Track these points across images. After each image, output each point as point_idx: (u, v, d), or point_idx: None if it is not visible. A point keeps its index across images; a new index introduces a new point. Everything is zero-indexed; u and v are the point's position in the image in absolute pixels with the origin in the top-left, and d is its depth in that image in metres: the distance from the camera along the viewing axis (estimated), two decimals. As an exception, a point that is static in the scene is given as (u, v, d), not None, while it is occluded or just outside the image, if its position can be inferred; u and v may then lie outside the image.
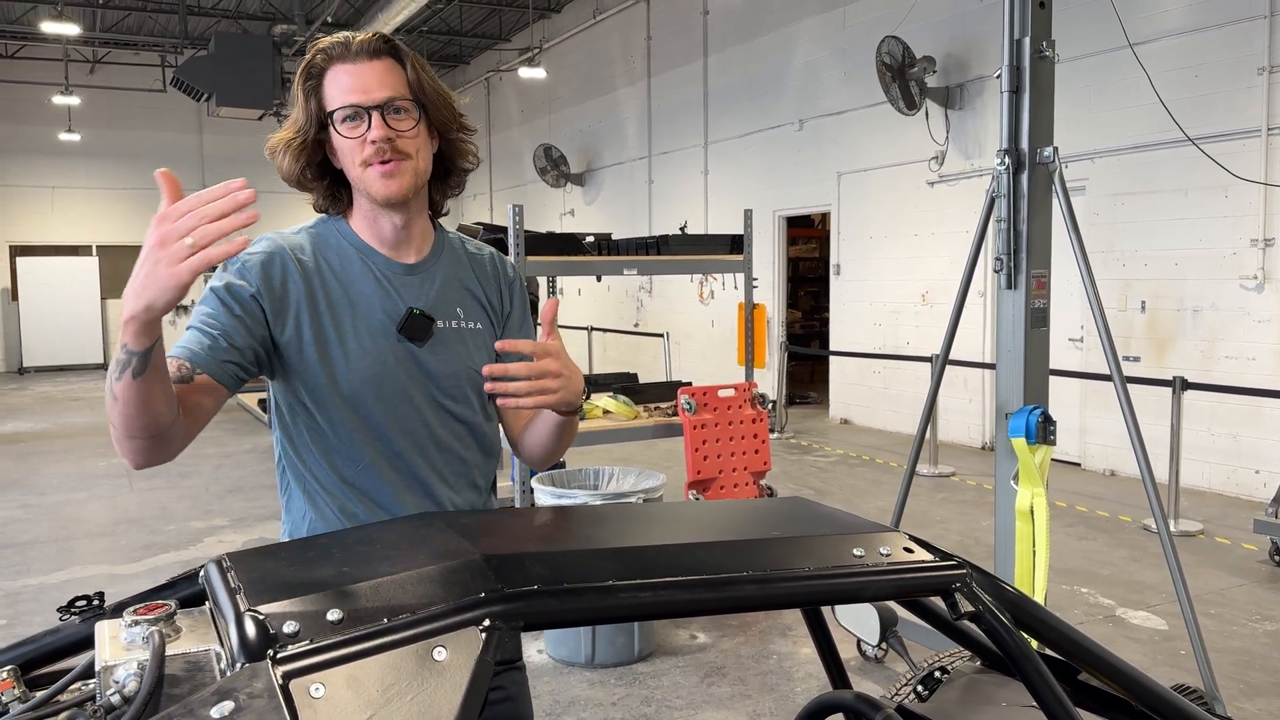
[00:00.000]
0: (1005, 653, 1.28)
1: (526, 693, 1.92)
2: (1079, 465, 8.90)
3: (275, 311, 1.63)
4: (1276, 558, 6.01)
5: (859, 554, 1.28)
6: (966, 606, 1.27)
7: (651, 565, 1.14)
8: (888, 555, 1.28)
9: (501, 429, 1.89)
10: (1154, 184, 8.17)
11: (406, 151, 1.62)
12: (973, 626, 1.97)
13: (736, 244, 5.22)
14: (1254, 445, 7.60)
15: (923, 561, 1.30)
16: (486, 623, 1.01)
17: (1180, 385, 6.78)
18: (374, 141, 1.59)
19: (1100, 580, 5.79)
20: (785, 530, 1.34)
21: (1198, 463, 7.79)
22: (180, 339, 1.59)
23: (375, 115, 1.59)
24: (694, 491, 5.23)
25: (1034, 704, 1.77)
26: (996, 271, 3.72)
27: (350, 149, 1.62)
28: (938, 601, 1.33)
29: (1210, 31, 7.73)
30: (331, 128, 1.63)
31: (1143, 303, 8.24)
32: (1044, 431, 3.63)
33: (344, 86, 1.60)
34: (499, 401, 1.57)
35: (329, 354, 1.65)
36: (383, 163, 1.60)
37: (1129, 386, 3.86)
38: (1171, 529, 6.77)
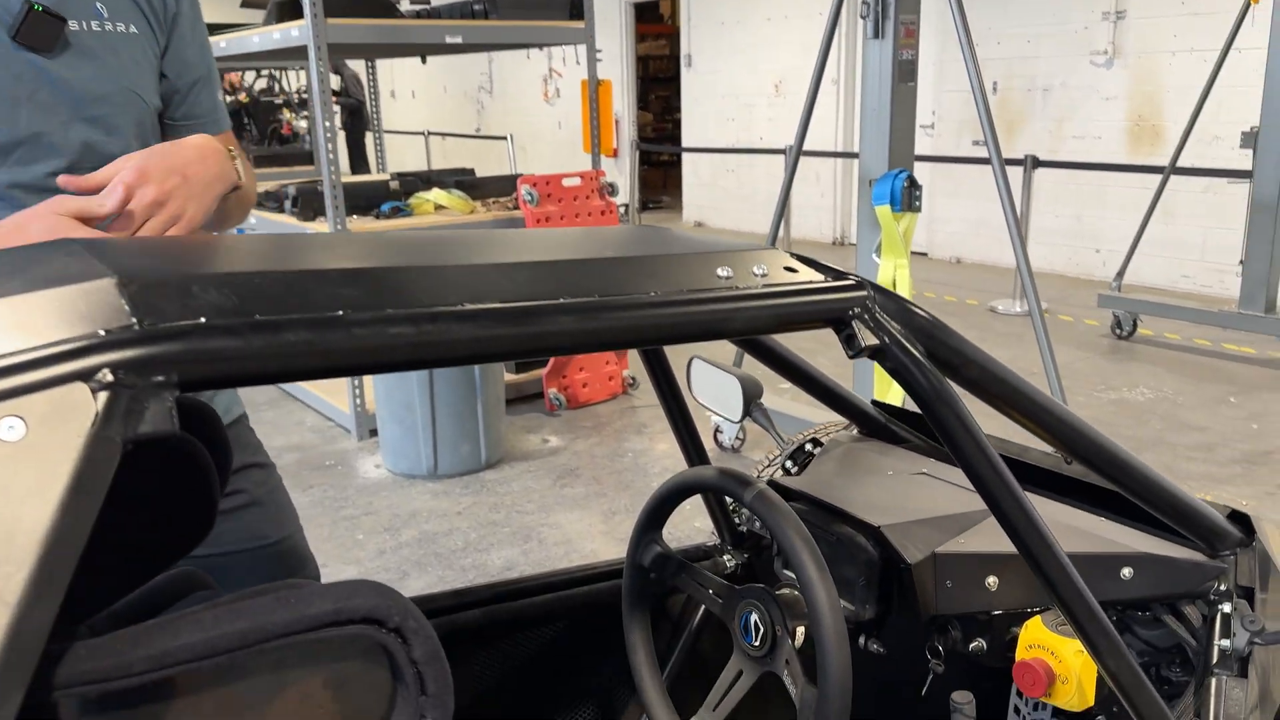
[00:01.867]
0: (918, 395, 0.99)
1: (281, 499, 1.58)
2: (926, 255, 8.93)
3: None
4: (1118, 331, 6.18)
5: (725, 275, 0.94)
6: (869, 338, 0.97)
7: (412, 291, 0.76)
8: (764, 276, 0.96)
9: None
10: (1010, -44, 8.00)
11: None
12: (849, 394, 1.73)
13: (576, 9, 4.65)
14: (1095, 225, 7.74)
15: (810, 283, 0.98)
16: (106, 376, 0.62)
17: (1031, 164, 6.70)
18: None
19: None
20: (635, 249, 0.99)
21: (1041, 245, 7.87)
22: None
23: None
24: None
25: (926, 470, 1.62)
26: (863, 18, 3.37)
27: None
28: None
29: None
30: None
31: (995, 83, 8.08)
32: (909, 197, 3.41)
33: None
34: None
35: None
36: None
37: (977, 167, 3.66)
38: (1017, 309, 6.90)
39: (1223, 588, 1.36)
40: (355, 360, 0.73)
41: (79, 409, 0.60)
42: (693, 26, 11.12)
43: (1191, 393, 5.13)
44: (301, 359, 0.70)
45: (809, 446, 1.81)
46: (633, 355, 5.50)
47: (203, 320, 0.67)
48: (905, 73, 3.47)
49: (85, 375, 0.62)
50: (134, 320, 0.66)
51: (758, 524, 1.60)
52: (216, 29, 5.73)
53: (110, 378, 0.62)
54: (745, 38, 10.44)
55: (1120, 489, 1.25)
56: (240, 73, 10.24)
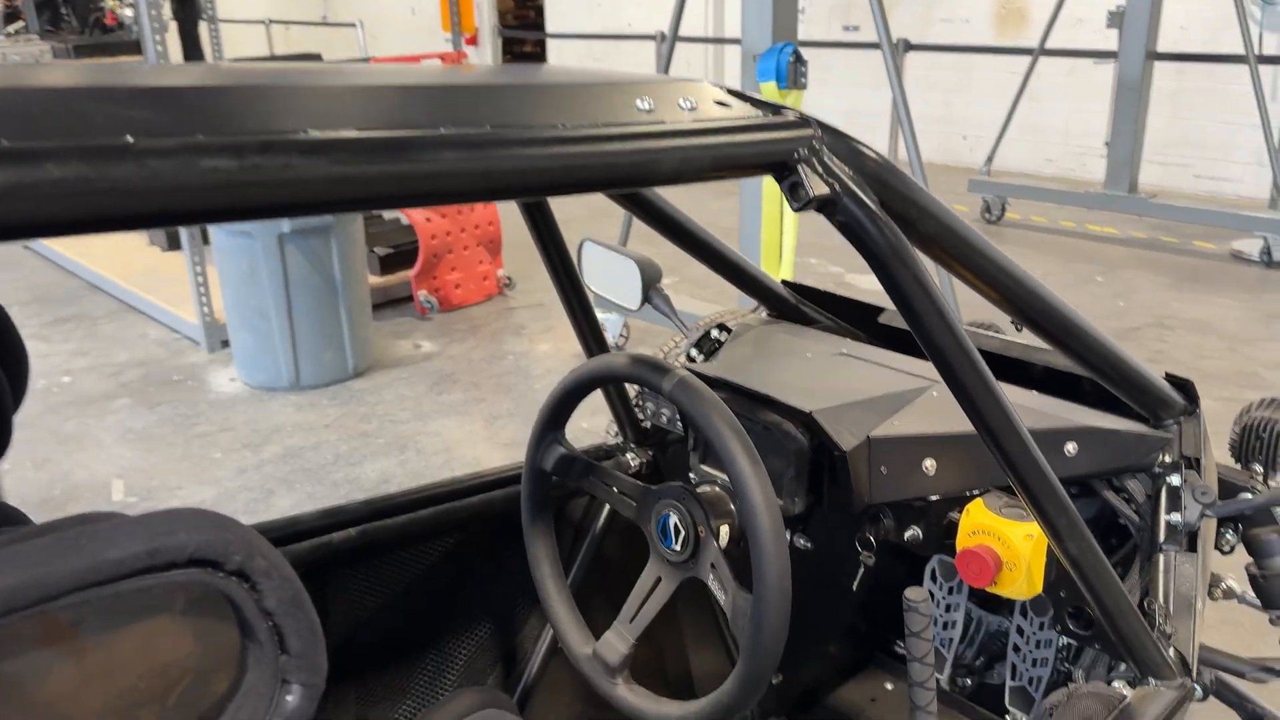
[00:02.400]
0: (872, 254, 0.86)
1: None
2: None
3: None
4: (988, 215, 6.26)
5: (646, 107, 0.75)
6: (818, 186, 0.81)
7: (236, 115, 0.55)
8: (692, 110, 0.79)
9: None
10: None
11: None
12: (757, 271, 1.60)
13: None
14: (964, 111, 7.80)
15: (748, 119, 0.82)
16: None
17: (903, 47, 6.64)
18: None
19: (828, 250, 5.79)
20: (524, 81, 0.79)
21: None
22: None
23: None
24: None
25: (846, 351, 1.53)
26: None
27: None
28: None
29: None
30: None
31: None
32: (795, 74, 3.24)
33: None
34: None
35: None
36: None
37: (843, 56, 3.53)
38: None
39: (1167, 459, 1.32)
40: (150, 205, 0.51)
41: None
42: (553, -96, 10.62)
43: (1060, 272, 5.23)
44: (71, 201, 0.49)
45: (715, 333, 1.69)
46: (509, 255, 5.26)
47: None
48: None
49: None
50: None
51: (664, 418, 1.48)
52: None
53: None
54: (609, -84, 10.03)
55: (1069, 355, 1.19)
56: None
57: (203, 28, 7.37)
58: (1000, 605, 1.81)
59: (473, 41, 11.26)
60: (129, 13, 9.15)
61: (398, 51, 12.01)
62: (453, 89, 0.70)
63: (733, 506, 1.21)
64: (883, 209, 0.86)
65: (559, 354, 4.30)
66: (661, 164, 0.76)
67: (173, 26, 9.88)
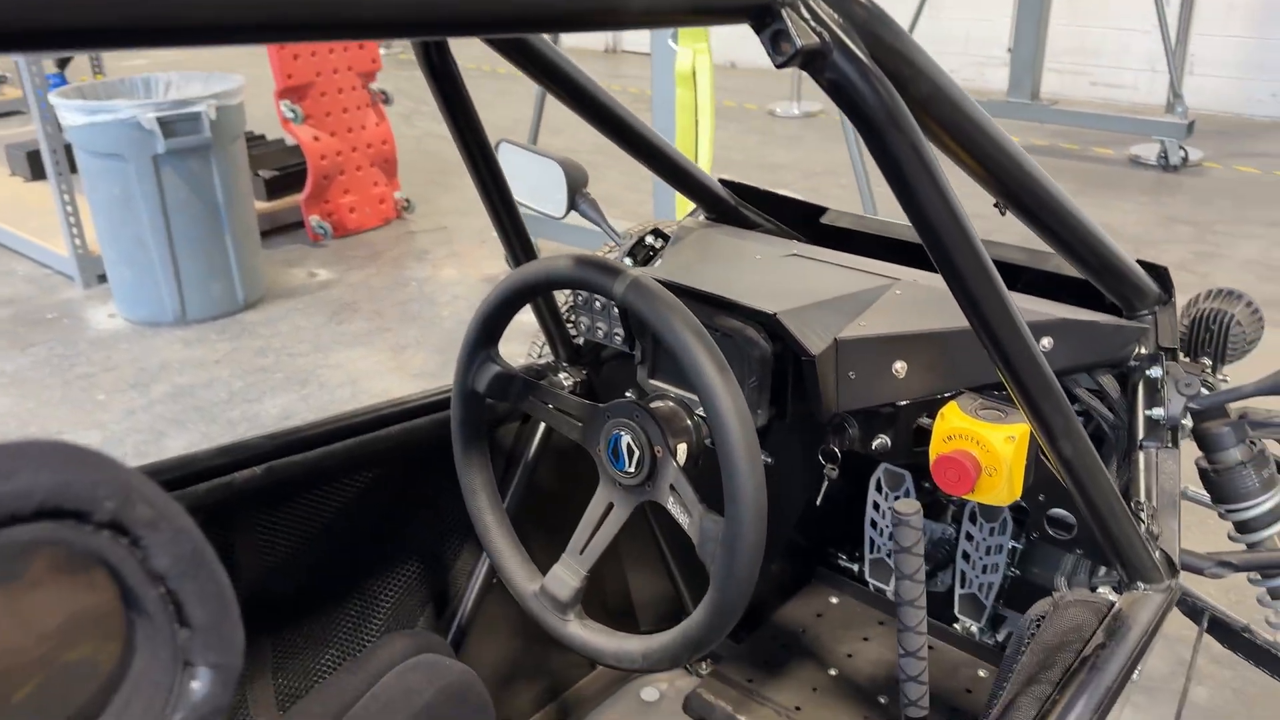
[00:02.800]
0: (864, 118, 0.74)
1: None
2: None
3: None
4: None
5: None
6: (807, 35, 0.69)
7: None
8: None
9: None
10: None
11: None
12: (695, 169, 1.49)
13: None
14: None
15: None
16: None
17: None
18: None
19: (736, 165, 5.71)
20: None
21: None
22: None
23: None
24: (287, 102, 4.28)
25: (796, 253, 1.46)
26: None
27: None
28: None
29: None
30: None
31: None
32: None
33: None
34: None
35: None
36: None
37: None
38: (795, 111, 6.86)
39: (1144, 351, 1.27)
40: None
41: None
42: None
43: (963, 180, 5.24)
44: None
45: (650, 239, 1.58)
46: (406, 177, 5.01)
47: None
48: None
49: None
50: None
51: (600, 333, 1.38)
52: None
53: None
54: None
55: (1052, 240, 1.11)
56: None
57: None
58: (943, 512, 1.77)
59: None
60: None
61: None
62: None
63: (689, 422, 1.14)
64: (876, 65, 0.75)
65: (465, 280, 4.12)
66: (631, 2, 0.62)
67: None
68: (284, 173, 4.64)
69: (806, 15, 0.71)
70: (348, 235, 4.63)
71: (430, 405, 1.47)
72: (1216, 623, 1.53)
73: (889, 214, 2.43)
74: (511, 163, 1.46)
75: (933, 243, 0.84)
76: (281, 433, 1.34)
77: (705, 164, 3.33)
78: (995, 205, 1.11)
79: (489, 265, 4.26)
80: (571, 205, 1.51)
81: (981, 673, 1.73)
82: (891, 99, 0.75)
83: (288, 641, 1.41)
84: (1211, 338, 1.45)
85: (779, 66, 0.73)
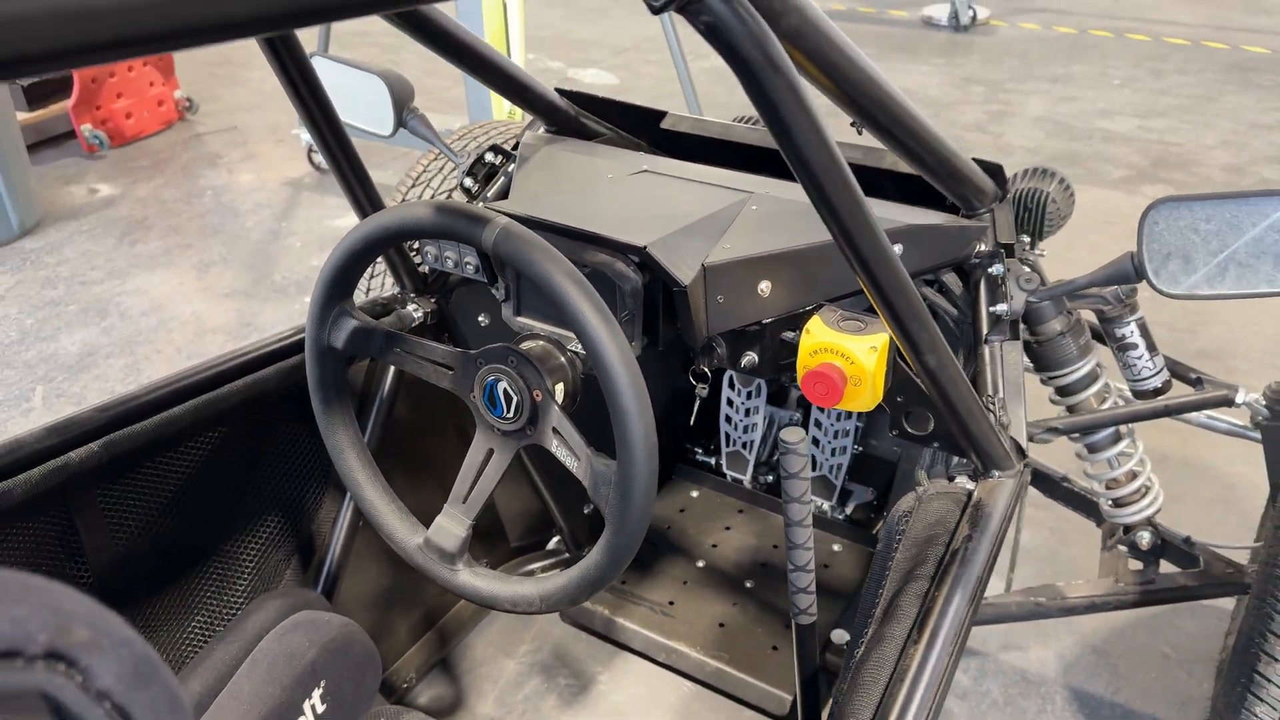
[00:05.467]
0: (737, 56, 0.67)
1: None
2: None
3: None
4: None
5: None
6: None
7: None
8: None
9: None
10: None
11: None
12: (530, 78, 1.40)
13: None
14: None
15: None
16: None
17: None
18: None
19: (544, 44, 5.49)
20: None
21: None
22: None
23: None
24: None
25: (647, 168, 1.38)
26: None
27: None
28: None
29: None
30: None
31: None
32: None
33: None
34: None
35: None
36: None
37: None
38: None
39: (983, 248, 1.23)
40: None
41: None
42: None
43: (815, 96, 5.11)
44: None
45: (490, 156, 1.52)
46: (184, 72, 4.57)
47: None
48: None
49: None
50: None
51: (449, 262, 1.23)
52: None
53: None
54: None
55: (899, 149, 1.11)
56: None
57: None
58: (786, 398, 1.86)
59: None
60: None
61: None
62: None
63: (563, 359, 1.04)
64: (750, 3, 0.74)
65: (266, 185, 3.30)
66: None
67: None
68: (43, 78, 4.16)
69: None
70: (127, 144, 3.63)
71: (272, 355, 1.30)
72: (1039, 475, 1.54)
73: (708, 104, 2.39)
74: (331, 80, 1.32)
75: (805, 174, 0.80)
76: (115, 402, 1.16)
77: (519, 56, 3.18)
78: (852, 124, 1.12)
79: (289, 167, 3.40)
80: (400, 123, 1.37)
81: (836, 547, 1.82)
82: (765, 38, 0.67)
83: (151, 617, 1.18)
84: (1030, 216, 1.43)
85: (655, 12, 0.70)
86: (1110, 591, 1.50)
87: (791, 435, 1.07)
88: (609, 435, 0.97)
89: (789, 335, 1.23)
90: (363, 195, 1.29)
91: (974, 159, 1.25)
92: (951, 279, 1.29)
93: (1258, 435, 1.46)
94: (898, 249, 1.20)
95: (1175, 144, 3.52)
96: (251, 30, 0.51)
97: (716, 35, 0.73)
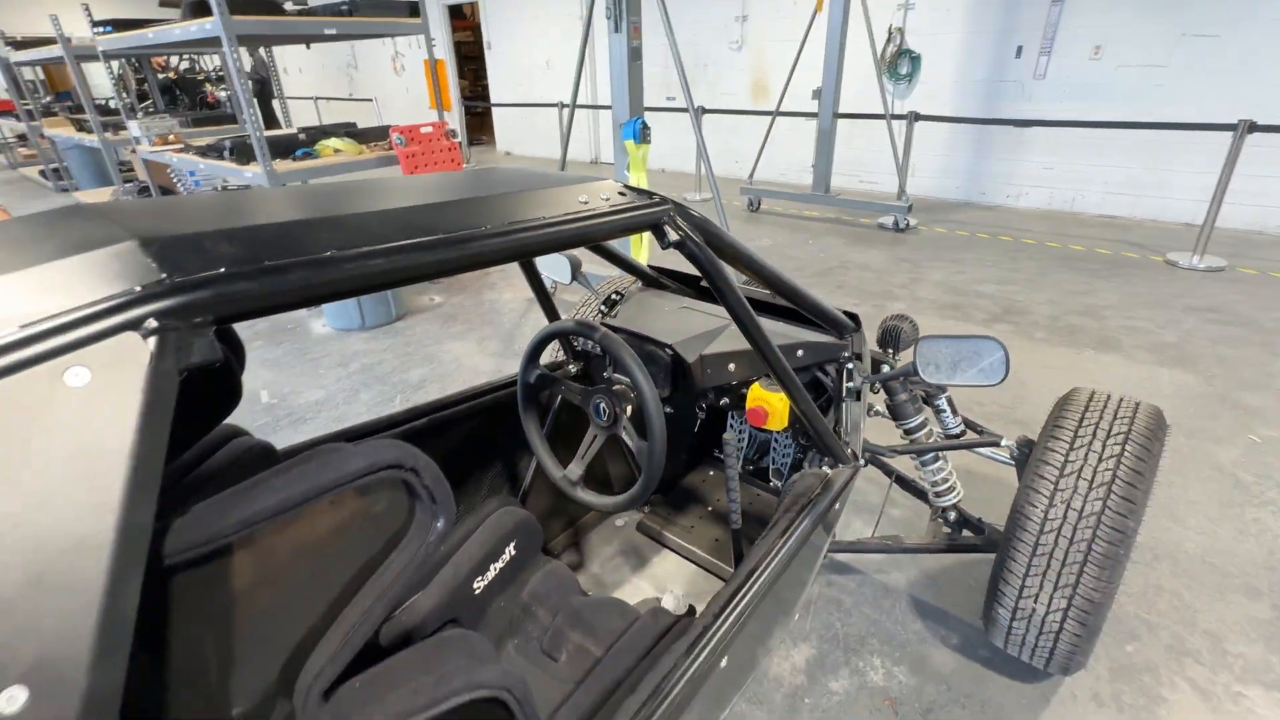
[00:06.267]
0: (699, 265, 0.92)
1: None
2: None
3: None
4: (750, 208, 6.30)
5: (584, 201, 0.81)
6: (673, 235, 0.88)
7: (379, 232, 0.59)
8: (608, 200, 0.85)
9: None
10: (682, -23, 7.45)
11: None
12: (636, 261, 1.58)
13: (413, 9, 3.90)
14: (736, 146, 7.76)
15: (637, 203, 0.88)
16: (152, 324, 0.44)
17: (699, 111, 6.49)
18: None
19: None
20: (515, 187, 0.83)
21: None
22: None
23: None
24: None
25: (686, 305, 1.52)
26: (608, 18, 3.01)
27: None
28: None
29: None
30: None
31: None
32: (644, 134, 3.24)
33: None
34: None
35: None
36: None
37: (669, 115, 3.50)
38: (698, 198, 6.94)
39: (845, 354, 1.39)
40: (344, 288, 0.56)
41: (134, 353, 0.43)
42: (489, 23, 9.71)
43: (788, 239, 5.33)
44: (305, 292, 0.53)
45: (614, 296, 1.69)
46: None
47: (222, 270, 0.48)
48: (635, 55, 3.20)
49: (134, 325, 0.44)
50: (163, 275, 0.46)
51: (590, 346, 1.39)
52: (142, 23, 4.39)
53: (156, 324, 0.44)
54: (524, 30, 9.27)
55: (791, 302, 1.24)
56: (165, 56, 8.09)
57: (275, 104, 6.62)
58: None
59: (447, 108, 10.50)
60: (223, 94, 8.19)
61: (399, 117, 11.11)
62: (490, 200, 0.74)
63: (632, 395, 1.17)
64: (705, 243, 0.92)
65: (516, 300, 4.26)
66: (595, 233, 0.80)
67: (254, 103, 8.80)
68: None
69: (673, 226, 0.90)
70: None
71: (505, 384, 1.47)
72: (900, 478, 1.66)
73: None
74: (543, 257, 1.58)
75: (732, 313, 0.96)
76: (433, 403, 1.32)
77: (644, 254, 3.47)
78: (759, 287, 1.24)
79: (525, 291, 4.39)
80: (574, 276, 1.59)
81: (761, 494, 1.83)
82: (709, 257, 0.91)
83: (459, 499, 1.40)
84: (890, 339, 1.58)
85: (664, 248, 0.90)
86: (931, 543, 1.48)
87: (730, 436, 1.21)
88: (643, 432, 1.12)
89: (743, 391, 1.38)
90: (550, 309, 1.44)
91: (845, 310, 1.40)
92: (831, 369, 1.43)
93: (1011, 462, 1.47)
94: (801, 351, 1.31)
95: (1019, 300, 3.81)
96: (498, 263, 0.67)
97: (690, 254, 0.88)
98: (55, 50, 5.24)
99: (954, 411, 1.51)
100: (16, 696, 0.36)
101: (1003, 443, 1.45)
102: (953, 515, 1.48)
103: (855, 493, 2.06)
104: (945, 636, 1.54)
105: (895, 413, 1.44)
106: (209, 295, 0.48)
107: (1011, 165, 5.92)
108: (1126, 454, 1.11)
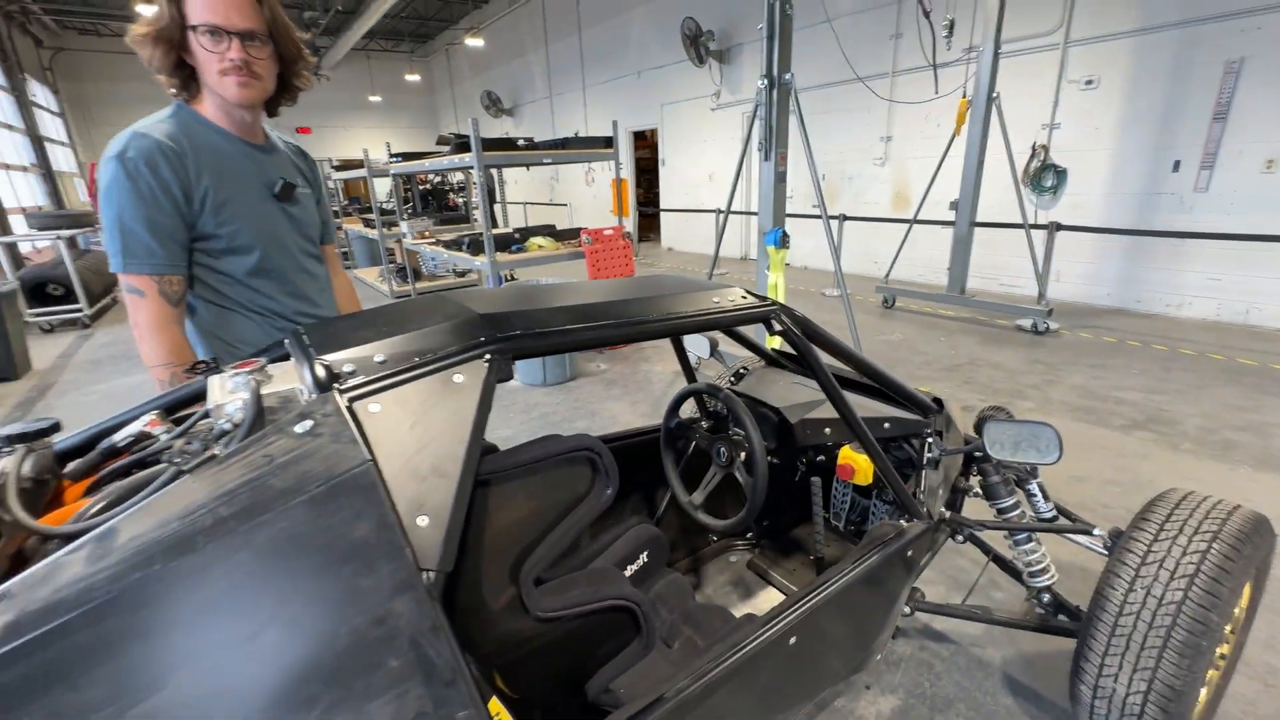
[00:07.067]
0: (798, 349, 1.13)
1: None
2: (789, 265, 8.64)
3: (185, 196, 1.16)
4: (885, 305, 6.16)
5: (717, 301, 1.10)
6: (778, 328, 1.13)
7: (591, 314, 0.94)
8: (733, 301, 1.10)
9: None
10: (832, 105, 7.78)
11: (259, 74, 1.17)
12: (764, 347, 1.77)
13: (608, 143, 4.66)
14: (875, 249, 7.68)
15: (753, 304, 1.11)
16: (488, 357, 0.81)
17: (841, 219, 6.67)
18: (232, 59, 1.12)
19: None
20: (670, 291, 1.15)
21: (846, 259, 7.78)
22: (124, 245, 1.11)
23: (235, 41, 1.11)
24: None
25: (796, 381, 1.68)
26: (759, 150, 3.40)
27: (209, 59, 1.13)
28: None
29: (866, 13, 7.16)
30: (193, 35, 1.11)
31: (823, 175, 7.91)
32: (784, 241, 3.48)
33: (205, 5, 1.09)
34: None
35: (229, 217, 1.21)
36: (239, 77, 1.14)
37: (813, 222, 3.73)
38: (834, 294, 6.96)
39: (928, 431, 1.46)
40: (572, 346, 0.89)
41: (480, 369, 0.79)
42: (665, 144, 10.77)
43: (920, 335, 5.16)
44: (554, 348, 0.87)
45: (742, 370, 1.81)
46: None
47: (518, 332, 0.85)
48: (780, 179, 3.47)
49: (480, 356, 0.80)
50: (494, 332, 0.84)
51: (719, 407, 1.51)
52: (421, 155, 5.67)
53: (490, 357, 0.81)
54: (693, 150, 10.14)
55: (880, 385, 1.35)
56: (426, 174, 10.05)
57: (497, 208, 7.86)
58: (859, 490, 1.96)
59: (626, 215, 11.58)
60: (459, 199, 9.91)
61: (587, 219, 12.42)
62: (660, 299, 1.02)
63: (747, 444, 1.31)
64: (804, 335, 1.11)
65: (666, 370, 4.52)
66: (723, 321, 1.03)
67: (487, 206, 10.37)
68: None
69: (780, 320, 1.09)
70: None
71: (647, 431, 1.61)
72: (997, 557, 1.64)
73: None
74: (689, 336, 1.83)
75: (826, 392, 1.12)
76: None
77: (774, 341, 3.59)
78: (860, 376, 1.38)
79: (673, 365, 4.65)
80: (712, 353, 1.76)
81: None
82: (809, 346, 1.09)
83: (615, 517, 1.54)
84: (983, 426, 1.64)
85: (770, 335, 1.14)
86: (1018, 619, 1.45)
87: (815, 482, 1.36)
88: (752, 472, 1.20)
89: (837, 452, 1.50)
90: (690, 377, 1.59)
91: (931, 394, 1.47)
92: (916, 441, 1.49)
93: (1104, 551, 1.41)
94: (888, 424, 1.41)
95: (1166, 410, 3.20)
96: (657, 337, 0.92)
97: (789, 338, 1.06)
98: (361, 171, 6.93)
99: (1045, 497, 1.47)
100: (423, 520, 0.68)
101: (1095, 532, 1.38)
102: (1046, 597, 1.44)
103: (957, 570, 1.98)
104: (1034, 715, 1.48)
105: (988, 492, 1.44)
106: (511, 345, 0.83)
107: (1171, 275, 5.22)
108: (1213, 551, 1.10)
